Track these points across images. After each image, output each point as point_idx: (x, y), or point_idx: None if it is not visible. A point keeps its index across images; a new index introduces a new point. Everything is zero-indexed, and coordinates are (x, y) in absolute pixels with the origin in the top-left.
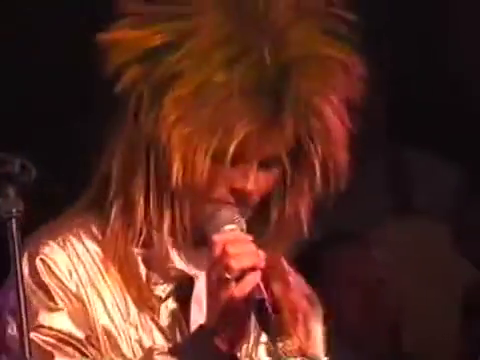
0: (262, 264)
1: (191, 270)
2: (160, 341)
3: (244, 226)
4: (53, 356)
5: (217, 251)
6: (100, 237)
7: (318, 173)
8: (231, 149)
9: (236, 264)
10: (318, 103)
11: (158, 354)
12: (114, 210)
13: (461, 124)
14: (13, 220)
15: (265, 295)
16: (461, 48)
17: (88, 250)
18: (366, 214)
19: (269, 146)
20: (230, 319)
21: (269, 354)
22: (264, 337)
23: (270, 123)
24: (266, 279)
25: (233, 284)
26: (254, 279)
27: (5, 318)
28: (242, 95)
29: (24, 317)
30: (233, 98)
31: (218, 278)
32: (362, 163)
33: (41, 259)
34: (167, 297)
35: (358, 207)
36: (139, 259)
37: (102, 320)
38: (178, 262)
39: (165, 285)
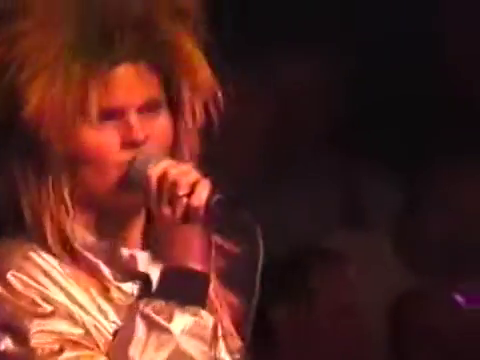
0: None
1: (144, 268)
2: (142, 334)
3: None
4: (62, 350)
5: (157, 178)
6: (52, 250)
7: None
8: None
9: (185, 180)
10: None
11: (146, 305)
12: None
13: (405, 135)
14: None
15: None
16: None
17: (48, 261)
18: (319, 228)
19: (140, 90)
20: (188, 235)
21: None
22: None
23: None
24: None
25: (185, 200)
26: (207, 184)
27: None
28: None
29: None
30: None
31: (169, 201)
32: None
33: (13, 274)
34: (138, 295)
35: (311, 220)
36: (100, 262)
37: (86, 319)
38: (139, 264)
39: (130, 283)
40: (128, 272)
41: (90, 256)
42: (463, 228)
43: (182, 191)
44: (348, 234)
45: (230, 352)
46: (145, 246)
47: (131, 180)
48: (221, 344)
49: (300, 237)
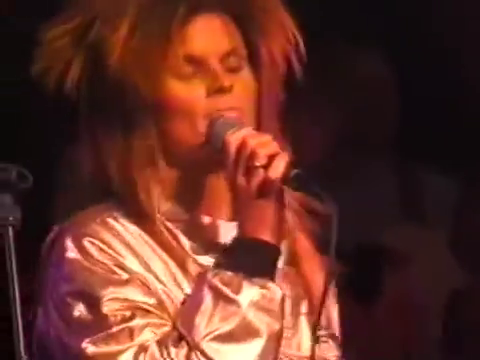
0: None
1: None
2: (209, 304)
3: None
4: (133, 317)
5: (236, 147)
6: (132, 217)
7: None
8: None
9: (263, 151)
10: None
11: (215, 275)
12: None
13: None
14: (10, 228)
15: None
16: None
17: (126, 228)
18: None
19: (221, 40)
20: (264, 207)
21: (310, 325)
22: (304, 308)
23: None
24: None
25: (262, 171)
26: (285, 157)
27: (67, 302)
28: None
29: (20, 319)
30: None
31: (246, 170)
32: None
33: (89, 241)
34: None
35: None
36: (179, 232)
37: (160, 288)
38: (221, 234)
39: (207, 256)
40: (207, 242)
41: (171, 225)
42: None
43: (260, 162)
44: (407, 231)
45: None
46: (231, 217)
47: (211, 140)
48: (303, 320)
49: (362, 234)
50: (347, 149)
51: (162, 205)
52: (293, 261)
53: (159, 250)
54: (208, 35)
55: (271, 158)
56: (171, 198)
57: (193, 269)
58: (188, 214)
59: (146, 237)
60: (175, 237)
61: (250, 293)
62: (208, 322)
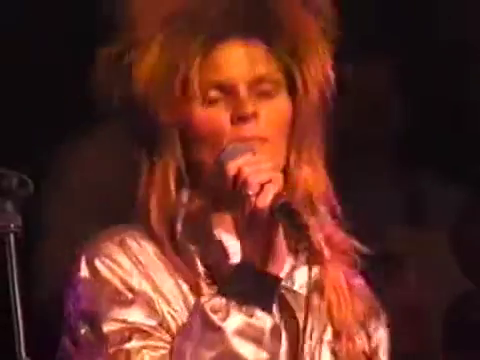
0: (280, 180)
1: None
2: (197, 330)
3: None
4: (131, 338)
5: (233, 175)
6: (152, 237)
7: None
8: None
9: (253, 179)
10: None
11: (206, 302)
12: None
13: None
14: (11, 235)
15: (288, 199)
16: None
17: (143, 248)
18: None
19: (250, 65)
20: (259, 236)
21: (333, 352)
22: (328, 334)
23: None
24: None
25: (253, 200)
26: (273, 187)
27: (75, 320)
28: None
29: (21, 326)
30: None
31: (240, 198)
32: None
33: (101, 260)
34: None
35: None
36: (196, 257)
37: (166, 309)
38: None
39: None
40: (220, 265)
41: (190, 247)
42: None
43: (253, 190)
44: (409, 234)
45: None
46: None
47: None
48: (325, 347)
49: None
50: (351, 154)
51: (183, 227)
52: (320, 289)
53: (173, 272)
54: (237, 61)
55: (262, 187)
56: (192, 221)
57: (206, 292)
58: (206, 237)
59: (162, 258)
60: (192, 259)
61: (235, 321)
62: (194, 348)
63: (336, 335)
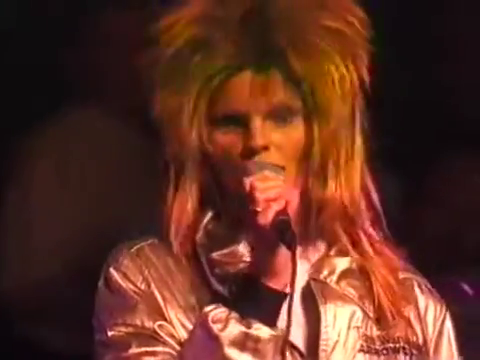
0: (289, 196)
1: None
2: (198, 340)
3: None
4: (130, 346)
5: (246, 189)
6: (170, 251)
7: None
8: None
9: (261, 196)
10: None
11: (209, 311)
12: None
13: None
14: None
15: (289, 217)
16: None
17: (161, 259)
18: None
19: (264, 96)
20: (263, 251)
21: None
22: (357, 320)
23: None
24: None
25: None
26: (276, 206)
27: (93, 326)
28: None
29: None
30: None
31: (249, 213)
32: None
33: (115, 267)
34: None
35: None
36: (211, 276)
37: (173, 311)
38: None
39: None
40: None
41: (204, 261)
42: (459, 225)
43: (259, 207)
44: None
45: None
46: None
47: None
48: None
49: None
50: None
51: (201, 247)
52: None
53: (189, 287)
54: (251, 91)
55: (267, 203)
56: (213, 241)
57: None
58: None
59: (181, 270)
60: (207, 279)
61: (232, 331)
62: (194, 356)
63: (366, 322)
